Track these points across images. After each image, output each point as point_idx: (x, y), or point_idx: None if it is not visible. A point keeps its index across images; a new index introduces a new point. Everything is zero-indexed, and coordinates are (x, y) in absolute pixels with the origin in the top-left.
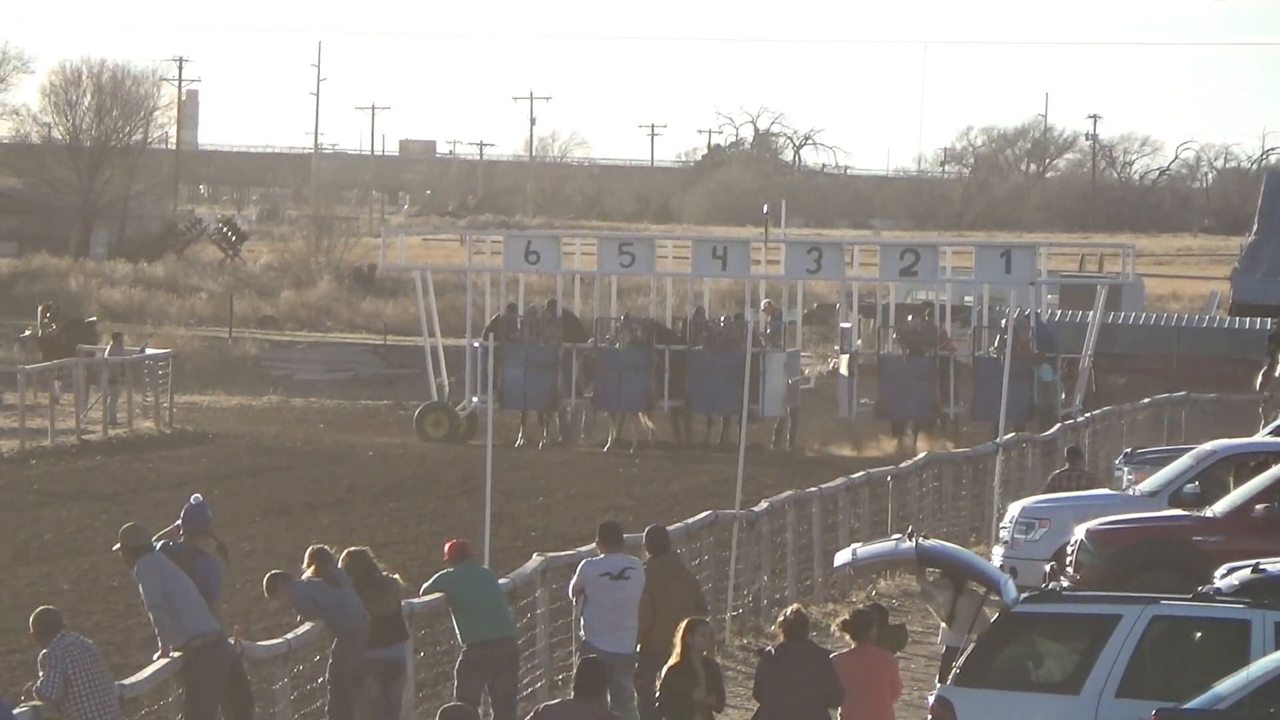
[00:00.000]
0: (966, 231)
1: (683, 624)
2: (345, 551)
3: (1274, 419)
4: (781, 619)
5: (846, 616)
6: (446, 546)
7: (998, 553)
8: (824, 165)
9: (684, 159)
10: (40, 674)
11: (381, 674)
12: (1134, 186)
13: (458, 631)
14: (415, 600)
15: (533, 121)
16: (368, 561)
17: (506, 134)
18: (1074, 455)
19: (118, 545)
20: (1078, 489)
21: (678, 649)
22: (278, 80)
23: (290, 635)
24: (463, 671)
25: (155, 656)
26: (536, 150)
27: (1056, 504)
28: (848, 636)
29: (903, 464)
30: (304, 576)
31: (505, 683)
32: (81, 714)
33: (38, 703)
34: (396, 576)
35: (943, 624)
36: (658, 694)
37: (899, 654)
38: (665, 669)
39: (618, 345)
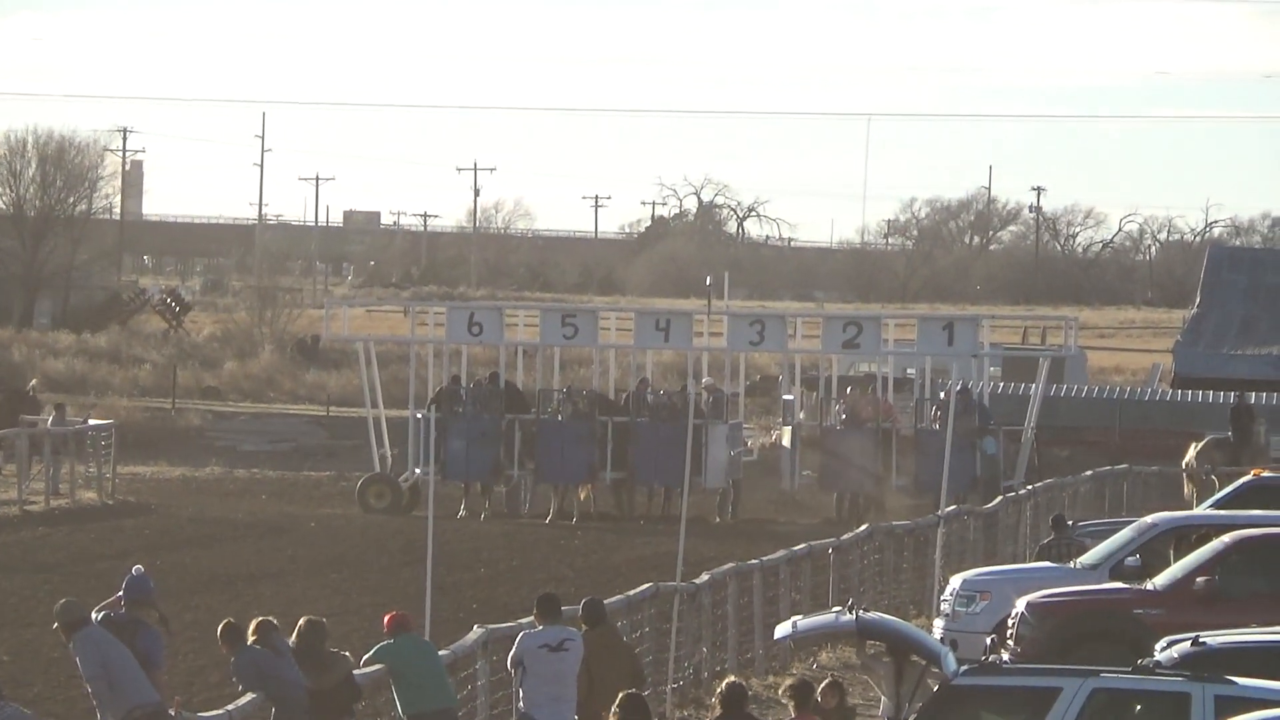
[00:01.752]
0: (910, 303)
1: (618, 698)
2: (304, 619)
3: (1209, 492)
4: (719, 692)
5: (792, 682)
6: (386, 619)
7: (938, 625)
8: (768, 237)
9: (628, 230)
10: None
11: None
12: (1077, 259)
13: (398, 703)
14: (355, 672)
15: (477, 192)
16: (321, 633)
17: (450, 205)
18: (1059, 524)
19: (55, 624)
20: (1068, 558)
21: None
22: (222, 151)
23: (231, 706)
24: None
25: None
26: (480, 221)
27: (997, 577)
28: (791, 705)
29: (844, 536)
30: (248, 643)
31: None
32: None
33: None
34: (347, 654)
35: (884, 697)
36: None
37: None
38: None
39: (560, 417)
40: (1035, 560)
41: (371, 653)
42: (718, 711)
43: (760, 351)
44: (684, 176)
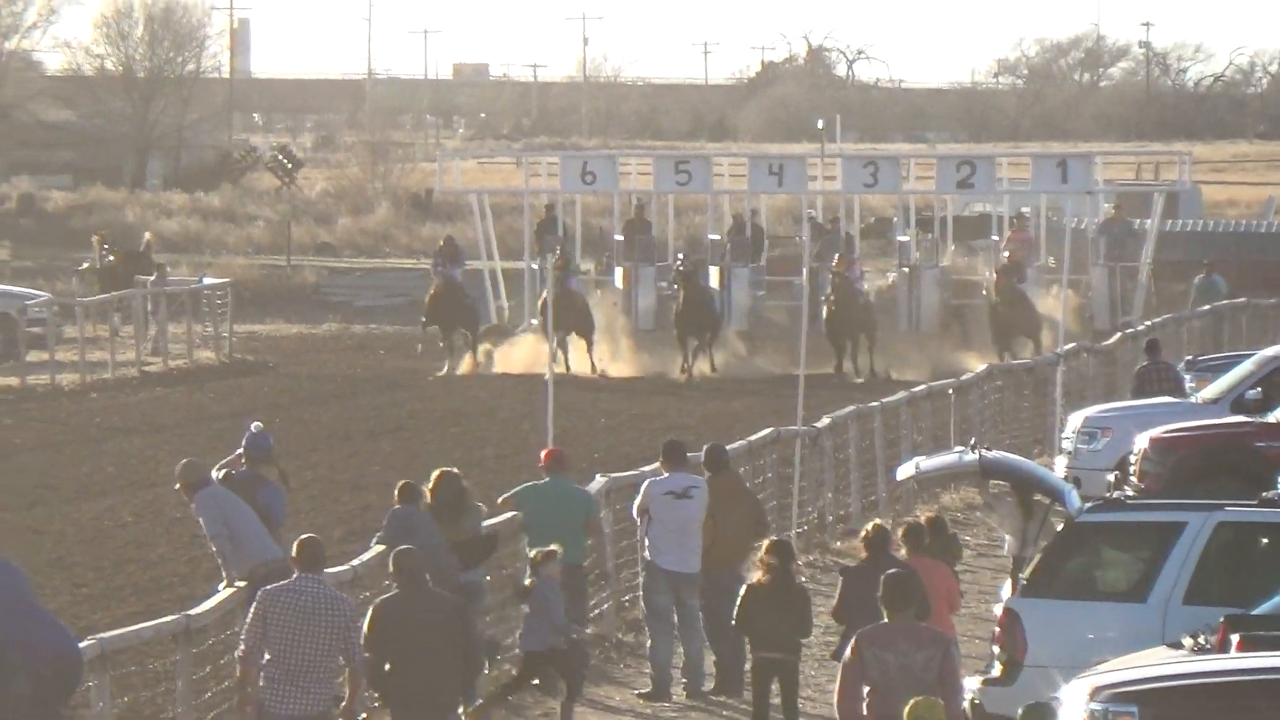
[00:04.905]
0: (1022, 142)
1: (765, 544)
2: (438, 471)
3: None
4: (863, 535)
5: (904, 528)
6: (543, 454)
7: (1061, 463)
8: (877, 79)
9: (737, 76)
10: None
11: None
12: (1188, 94)
13: (526, 544)
14: (493, 520)
15: (585, 42)
16: (458, 485)
17: (559, 55)
18: (1153, 348)
19: (176, 484)
20: (1164, 381)
21: (762, 569)
22: (329, 6)
23: (355, 561)
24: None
25: (220, 586)
26: (590, 71)
27: (1118, 413)
28: (902, 550)
29: (964, 376)
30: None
31: (571, 608)
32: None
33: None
34: (481, 505)
35: (1008, 536)
36: (735, 612)
37: (958, 565)
38: (746, 588)
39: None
40: (1133, 386)
41: (514, 490)
42: (863, 554)
43: (874, 193)
44: (792, 20)
